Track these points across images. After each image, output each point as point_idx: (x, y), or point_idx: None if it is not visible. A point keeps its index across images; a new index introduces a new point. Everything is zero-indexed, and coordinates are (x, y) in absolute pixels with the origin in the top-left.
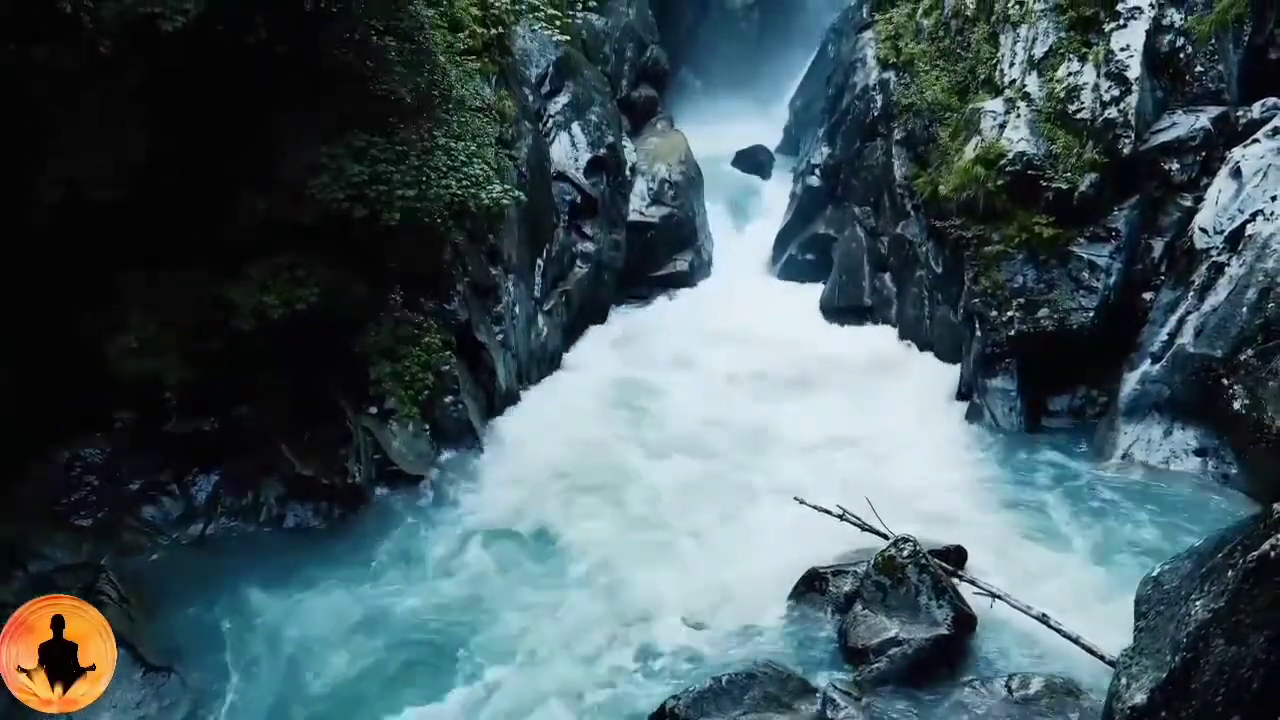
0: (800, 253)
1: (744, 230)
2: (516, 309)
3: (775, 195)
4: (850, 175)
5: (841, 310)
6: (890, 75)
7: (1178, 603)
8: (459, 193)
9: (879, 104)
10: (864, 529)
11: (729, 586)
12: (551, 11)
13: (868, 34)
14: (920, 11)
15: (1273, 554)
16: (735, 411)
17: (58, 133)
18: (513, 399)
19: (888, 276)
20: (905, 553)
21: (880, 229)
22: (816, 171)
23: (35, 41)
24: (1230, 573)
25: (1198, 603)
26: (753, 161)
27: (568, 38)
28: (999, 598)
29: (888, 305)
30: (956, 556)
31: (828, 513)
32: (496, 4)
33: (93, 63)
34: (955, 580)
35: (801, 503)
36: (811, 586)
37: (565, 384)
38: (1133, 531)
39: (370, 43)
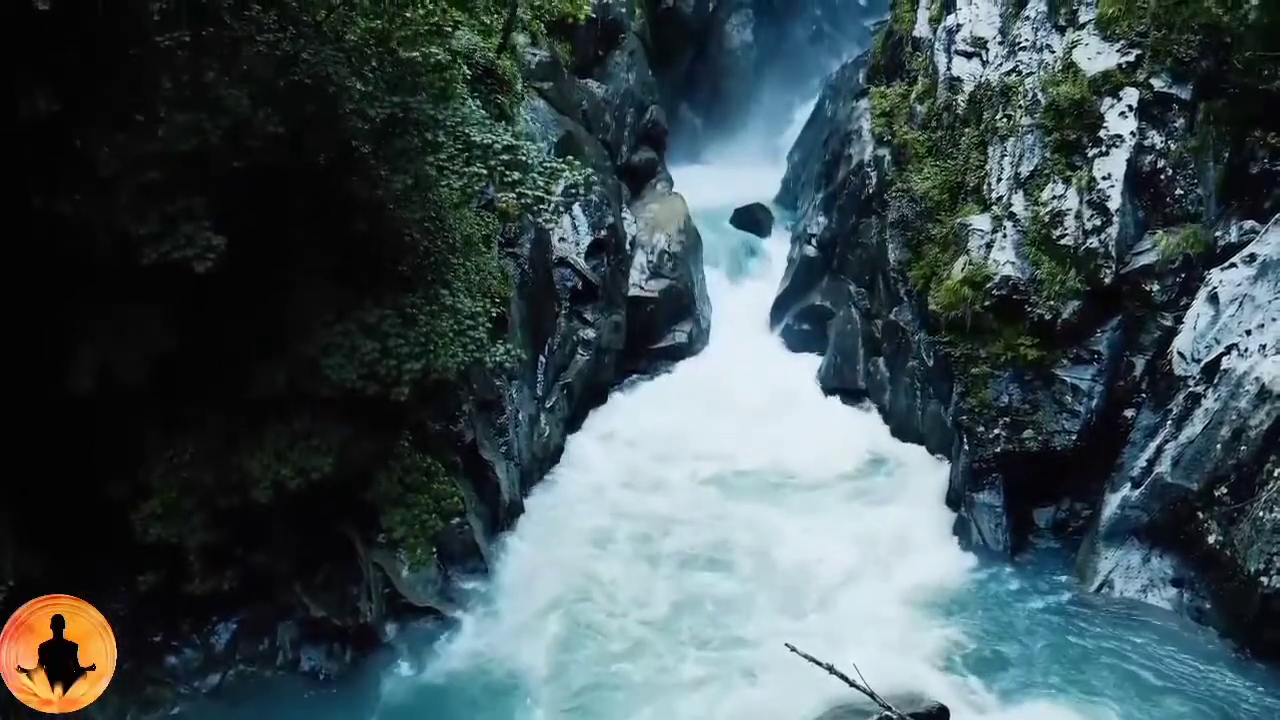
0: (797, 322)
1: (743, 290)
2: (520, 415)
3: (773, 254)
4: (846, 249)
5: (836, 391)
6: (885, 153)
7: None
8: (464, 359)
9: (874, 181)
10: (851, 685)
11: None
12: (556, 199)
13: (863, 103)
14: (914, 95)
15: None
16: (723, 524)
17: (88, 320)
18: (517, 509)
19: (881, 361)
20: None
21: (875, 311)
22: (813, 242)
23: (57, 193)
24: None
25: None
26: (751, 219)
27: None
28: None
29: (881, 390)
30: (939, 718)
31: (816, 663)
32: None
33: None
34: None
35: (792, 650)
36: None
37: (566, 488)
38: (1112, 675)
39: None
